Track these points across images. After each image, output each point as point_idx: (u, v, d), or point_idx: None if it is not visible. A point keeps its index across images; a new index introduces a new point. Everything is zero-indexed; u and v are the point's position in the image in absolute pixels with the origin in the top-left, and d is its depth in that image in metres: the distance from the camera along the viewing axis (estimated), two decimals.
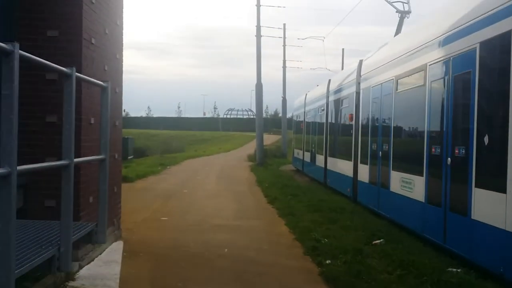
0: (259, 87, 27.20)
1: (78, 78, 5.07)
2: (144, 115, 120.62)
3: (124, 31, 8.17)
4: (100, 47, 7.00)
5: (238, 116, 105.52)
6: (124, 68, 8.25)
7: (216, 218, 10.51)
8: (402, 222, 9.95)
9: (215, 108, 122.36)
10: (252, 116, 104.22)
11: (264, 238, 8.69)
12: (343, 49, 47.52)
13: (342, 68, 40.04)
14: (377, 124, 11.94)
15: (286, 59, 40.09)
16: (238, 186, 17.80)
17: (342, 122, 16.37)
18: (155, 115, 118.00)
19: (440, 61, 8.39)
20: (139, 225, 9.30)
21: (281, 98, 41.50)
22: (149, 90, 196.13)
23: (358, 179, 13.50)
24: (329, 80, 18.81)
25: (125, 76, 8.06)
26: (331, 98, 17.87)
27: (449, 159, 7.84)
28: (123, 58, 8.23)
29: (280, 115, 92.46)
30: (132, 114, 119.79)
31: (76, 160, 5.02)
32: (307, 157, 23.41)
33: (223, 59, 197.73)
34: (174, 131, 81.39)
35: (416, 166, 9.33)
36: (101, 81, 6.08)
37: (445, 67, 8.19)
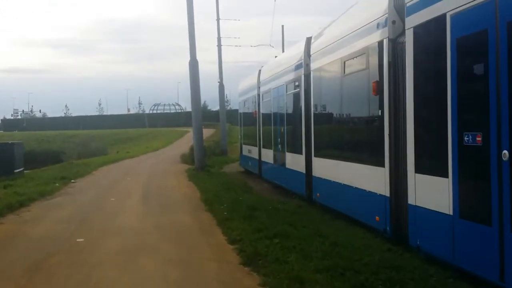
0: (193, 64, 20.13)
1: None
2: (62, 115, 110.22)
3: None
4: None
5: (165, 111, 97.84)
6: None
7: None
8: None
9: (140, 103, 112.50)
10: (179, 110, 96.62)
11: None
12: (282, 25, 41.01)
13: (283, 51, 33.65)
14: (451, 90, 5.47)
15: (221, 36, 33.09)
16: (176, 215, 10.84)
17: (346, 101, 9.79)
18: (74, 115, 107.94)
19: None
20: None
21: (217, 84, 34.56)
22: (68, 90, 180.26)
23: (413, 202, 7.01)
24: (308, 39, 12.20)
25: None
26: (316, 65, 11.29)
27: None
28: None
29: (210, 108, 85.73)
30: (50, 115, 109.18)
31: None
32: (268, 156, 16.78)
33: (147, 54, 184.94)
34: (95, 131, 72.75)
35: None
36: None
37: None
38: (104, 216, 10.94)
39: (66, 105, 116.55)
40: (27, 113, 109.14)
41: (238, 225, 9.03)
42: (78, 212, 11.40)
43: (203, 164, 21.25)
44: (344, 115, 9.93)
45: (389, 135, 7.76)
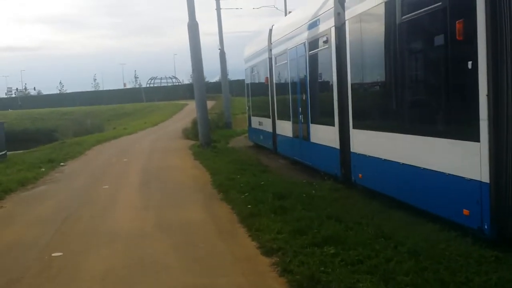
0: (193, 26, 17.58)
1: None
2: (57, 92, 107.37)
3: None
4: None
5: (162, 85, 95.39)
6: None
7: None
8: None
9: (136, 77, 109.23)
10: (177, 83, 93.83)
11: None
12: None
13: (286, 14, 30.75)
14: None
15: None
16: (184, 209, 8.56)
17: (406, 54, 7.39)
18: (69, 91, 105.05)
19: None
20: None
21: (215, 56, 31.95)
22: (62, 66, 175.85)
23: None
24: None
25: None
26: (353, 12, 8.83)
27: None
28: None
29: (207, 79, 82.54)
30: (45, 92, 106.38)
31: None
32: (284, 129, 14.46)
33: (141, 28, 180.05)
34: (91, 107, 70.20)
35: None
36: None
37: None
38: (93, 212, 8.65)
39: (60, 82, 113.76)
40: (21, 91, 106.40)
41: (269, 224, 6.77)
42: (61, 207, 9.12)
43: (209, 140, 18.93)
44: (403, 74, 7.51)
45: (488, 96, 5.42)
